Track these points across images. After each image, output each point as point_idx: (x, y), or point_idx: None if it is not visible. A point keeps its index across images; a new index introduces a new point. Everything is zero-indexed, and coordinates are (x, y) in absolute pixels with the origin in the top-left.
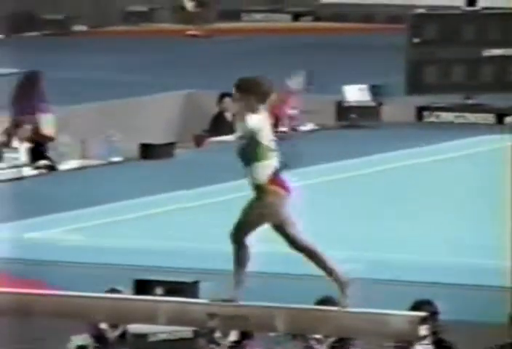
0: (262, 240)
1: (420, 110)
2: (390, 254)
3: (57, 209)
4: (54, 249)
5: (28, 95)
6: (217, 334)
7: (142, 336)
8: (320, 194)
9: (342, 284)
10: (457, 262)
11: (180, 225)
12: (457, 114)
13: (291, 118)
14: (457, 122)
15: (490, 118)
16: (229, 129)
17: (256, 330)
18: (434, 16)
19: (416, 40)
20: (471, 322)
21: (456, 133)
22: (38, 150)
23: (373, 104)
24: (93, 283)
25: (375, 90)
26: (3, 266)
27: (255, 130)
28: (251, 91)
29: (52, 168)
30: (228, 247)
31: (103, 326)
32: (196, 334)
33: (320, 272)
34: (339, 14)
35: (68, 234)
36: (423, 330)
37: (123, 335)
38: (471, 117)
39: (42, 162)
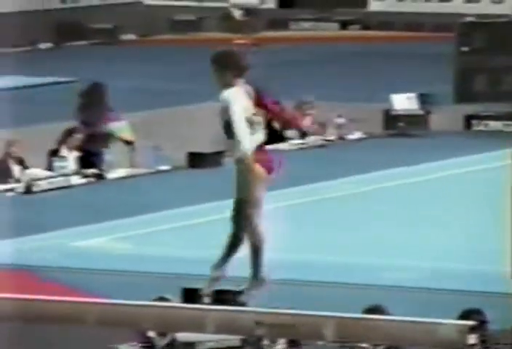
0: (310, 249)
1: (469, 119)
2: (436, 262)
3: (105, 217)
4: (102, 257)
5: (92, 105)
6: (265, 343)
7: (190, 344)
8: (368, 202)
9: (257, 282)
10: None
11: (225, 234)
12: (506, 123)
13: (339, 126)
14: (506, 131)
15: None
16: (277, 137)
17: (304, 338)
18: (483, 24)
19: (464, 48)
20: None
21: (504, 142)
22: (88, 159)
23: (421, 112)
24: (141, 292)
25: (423, 99)
26: (51, 274)
27: (227, 103)
28: (227, 65)
29: (100, 176)
30: (274, 256)
31: (151, 334)
32: (244, 342)
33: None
34: (387, 23)
35: (116, 242)
36: (472, 339)
37: (171, 343)
38: None
39: (90, 171)
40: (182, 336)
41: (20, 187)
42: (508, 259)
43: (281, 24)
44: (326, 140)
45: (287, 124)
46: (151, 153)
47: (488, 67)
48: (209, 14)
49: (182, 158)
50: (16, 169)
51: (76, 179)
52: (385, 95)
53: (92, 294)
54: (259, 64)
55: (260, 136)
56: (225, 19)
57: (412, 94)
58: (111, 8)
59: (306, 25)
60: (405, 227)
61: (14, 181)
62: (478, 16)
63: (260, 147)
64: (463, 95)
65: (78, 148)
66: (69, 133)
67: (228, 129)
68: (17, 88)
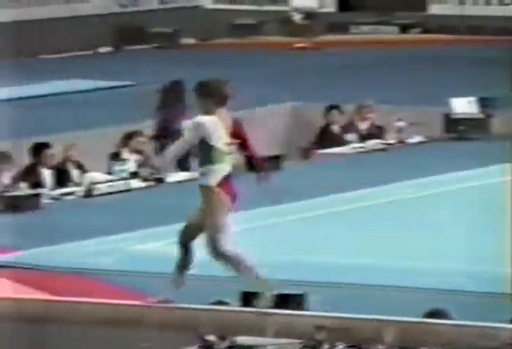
0: (368, 253)
1: None
2: (496, 267)
3: (165, 221)
4: (162, 261)
5: (171, 103)
6: (325, 347)
7: (250, 348)
8: (427, 206)
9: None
10: None
11: (284, 238)
12: None
13: (398, 130)
14: None
15: None
16: (336, 141)
17: (364, 343)
18: None
19: None
20: None
21: None
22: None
23: (482, 116)
24: (200, 296)
25: (484, 102)
26: (111, 278)
27: (205, 131)
28: (208, 95)
29: (159, 180)
30: (336, 259)
31: (211, 338)
32: (304, 346)
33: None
34: (447, 26)
35: (175, 246)
36: None
37: (231, 347)
38: None
39: (149, 173)
40: (242, 339)
41: (79, 190)
42: None
43: (341, 27)
44: (386, 144)
45: (250, 158)
46: None
47: None
48: (269, 18)
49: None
50: (75, 173)
51: (136, 183)
52: (445, 99)
53: (150, 298)
54: (319, 68)
55: (229, 166)
56: (285, 23)
57: (473, 98)
58: (171, 12)
59: (366, 28)
60: (464, 232)
61: (73, 185)
62: None
63: (227, 177)
64: None
65: (139, 151)
66: (130, 136)
67: (199, 156)
68: (77, 92)
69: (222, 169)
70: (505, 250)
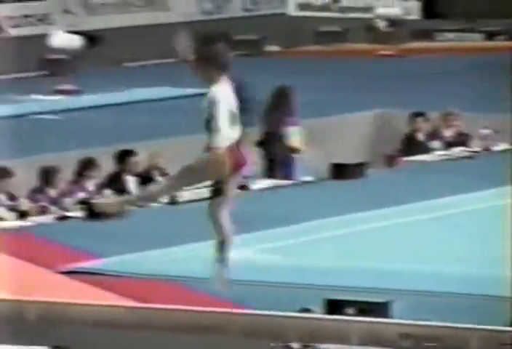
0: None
1: None
2: None
3: (251, 228)
4: (247, 268)
5: (277, 109)
6: None
7: None
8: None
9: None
10: None
11: (372, 245)
12: None
13: (484, 137)
14: None
15: None
16: (421, 149)
17: None
18: None
19: None
20: None
21: None
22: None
23: None
24: (284, 303)
25: None
26: (197, 285)
27: (214, 102)
28: (209, 61)
29: (243, 187)
30: (421, 267)
31: (295, 345)
32: None
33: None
34: None
35: (261, 253)
36: None
37: None
38: None
39: None
40: (326, 347)
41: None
42: None
43: (426, 35)
44: (471, 152)
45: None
46: (297, 164)
47: None
48: (353, 25)
49: (324, 169)
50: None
51: None
52: None
53: (236, 305)
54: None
55: (237, 132)
56: (369, 30)
57: None
58: (255, 19)
59: (451, 35)
60: None
61: None
62: None
63: (235, 144)
64: None
65: None
66: None
67: (207, 125)
68: (166, 99)
69: (228, 134)
70: None
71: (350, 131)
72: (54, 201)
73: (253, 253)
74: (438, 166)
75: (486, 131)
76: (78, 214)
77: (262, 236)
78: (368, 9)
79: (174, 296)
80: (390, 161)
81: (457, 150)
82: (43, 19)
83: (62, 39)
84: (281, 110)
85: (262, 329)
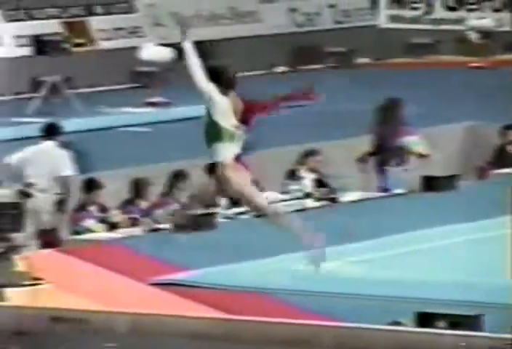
0: None
1: None
2: None
3: (339, 240)
4: (335, 280)
5: (389, 121)
6: None
7: None
8: None
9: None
10: None
11: (463, 258)
12: None
13: None
14: None
15: None
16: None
17: None
18: None
19: None
20: None
21: None
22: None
23: None
24: (375, 316)
25: None
26: (285, 297)
27: (219, 109)
28: (216, 79)
29: (333, 200)
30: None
31: None
32: None
33: None
34: None
35: (349, 266)
36: None
37: None
38: None
39: (324, 192)
40: None
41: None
42: None
43: None
44: None
45: (264, 110)
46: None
47: None
48: (445, 37)
49: (415, 181)
50: None
51: (311, 203)
52: None
53: (326, 318)
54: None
55: (237, 148)
56: (461, 42)
57: None
58: (346, 31)
59: None
60: None
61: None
62: None
63: (236, 157)
64: None
65: (315, 170)
66: (307, 155)
67: (208, 135)
68: None
69: (229, 147)
70: None
71: (441, 144)
72: (146, 213)
73: (340, 266)
74: None
75: None
76: (168, 226)
77: (348, 249)
78: (460, 20)
79: (264, 308)
80: (481, 173)
81: None
82: (134, 31)
83: (153, 52)
84: (393, 121)
85: (353, 341)
